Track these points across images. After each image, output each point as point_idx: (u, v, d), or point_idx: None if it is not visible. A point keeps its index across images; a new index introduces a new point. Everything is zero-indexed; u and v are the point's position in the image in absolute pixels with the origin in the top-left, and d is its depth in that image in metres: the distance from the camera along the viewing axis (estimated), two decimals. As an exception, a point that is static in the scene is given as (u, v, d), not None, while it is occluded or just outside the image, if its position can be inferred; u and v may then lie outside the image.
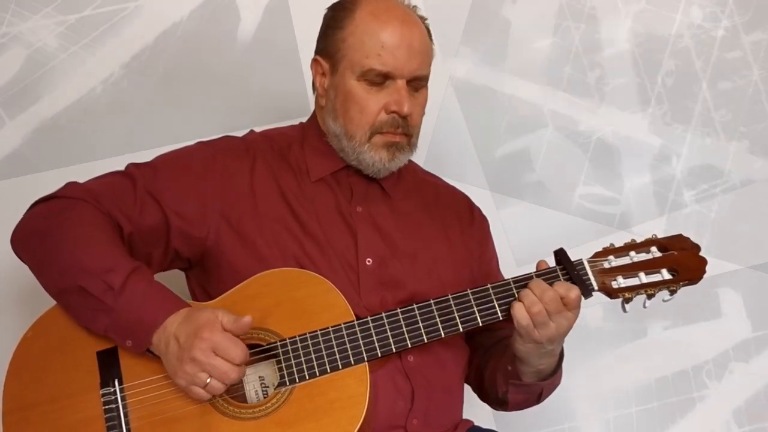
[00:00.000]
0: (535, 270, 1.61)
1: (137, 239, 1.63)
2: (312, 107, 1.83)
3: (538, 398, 1.78)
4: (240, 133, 1.81)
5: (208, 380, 1.43)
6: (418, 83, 1.69)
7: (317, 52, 1.74)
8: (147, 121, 2.23)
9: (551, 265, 1.61)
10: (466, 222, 1.87)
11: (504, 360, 1.71)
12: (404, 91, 1.66)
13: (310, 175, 1.73)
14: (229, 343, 1.45)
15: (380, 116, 1.66)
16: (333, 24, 1.70)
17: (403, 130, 1.68)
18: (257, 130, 1.83)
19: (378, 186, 1.76)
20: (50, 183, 1.69)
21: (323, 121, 1.75)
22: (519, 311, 1.55)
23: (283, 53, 2.27)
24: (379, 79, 1.65)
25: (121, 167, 1.71)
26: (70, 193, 1.63)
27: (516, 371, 1.69)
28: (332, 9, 1.74)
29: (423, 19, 1.74)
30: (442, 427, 1.69)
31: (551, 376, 1.70)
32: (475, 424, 1.78)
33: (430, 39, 1.74)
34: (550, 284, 1.56)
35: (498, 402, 1.81)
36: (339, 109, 1.69)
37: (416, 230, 1.77)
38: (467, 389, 1.84)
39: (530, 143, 2.37)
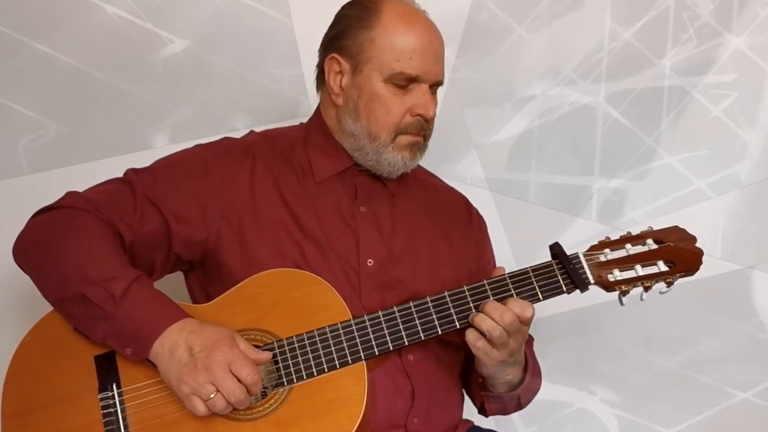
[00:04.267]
0: (529, 266, 1.60)
1: (139, 246, 1.63)
2: (312, 107, 1.83)
3: (518, 405, 1.78)
4: (239, 134, 1.81)
5: (212, 395, 1.43)
6: (435, 87, 1.72)
7: (335, 50, 1.71)
8: (147, 121, 2.24)
9: (547, 260, 1.60)
10: (464, 223, 1.87)
11: (475, 372, 1.71)
12: (429, 95, 1.68)
13: (315, 176, 1.73)
14: (246, 362, 1.45)
15: (405, 118, 1.67)
16: (357, 23, 1.69)
17: (425, 132, 1.71)
18: (257, 130, 1.83)
19: (382, 186, 1.76)
20: (50, 183, 1.70)
21: (338, 119, 1.74)
22: (471, 336, 1.55)
23: (282, 53, 2.27)
24: (406, 83, 1.66)
25: (121, 167, 1.71)
26: (70, 203, 1.63)
27: (485, 384, 1.70)
28: (352, 8, 1.73)
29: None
30: (443, 425, 1.69)
31: (521, 384, 1.70)
32: (475, 424, 1.77)
33: None
34: (504, 300, 1.56)
35: (479, 410, 1.82)
36: (363, 110, 1.69)
37: (417, 231, 1.77)
38: (467, 388, 1.84)
39: (531, 143, 2.37)
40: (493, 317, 1.53)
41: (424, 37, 1.67)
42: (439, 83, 1.73)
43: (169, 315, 1.50)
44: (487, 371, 1.62)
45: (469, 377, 1.77)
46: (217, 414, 1.46)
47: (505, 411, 1.79)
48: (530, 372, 1.71)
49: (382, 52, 1.66)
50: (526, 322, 1.55)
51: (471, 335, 1.55)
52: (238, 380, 1.43)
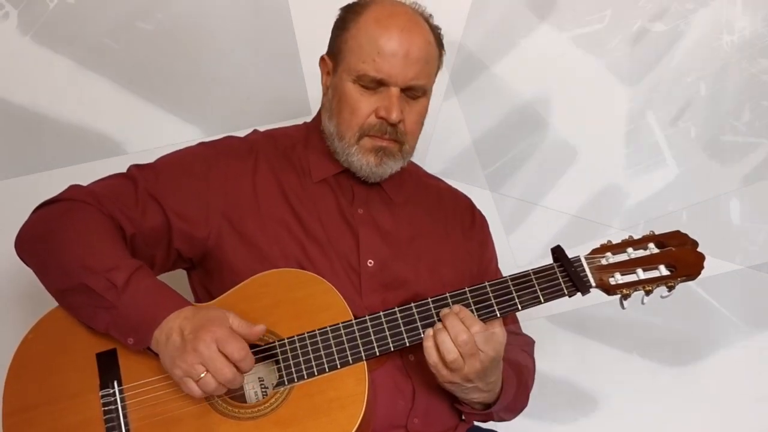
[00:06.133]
0: (530, 269, 1.60)
1: (139, 241, 1.64)
2: (312, 107, 1.83)
3: (500, 418, 1.76)
4: (242, 133, 1.81)
5: (203, 375, 1.42)
6: (413, 92, 1.68)
7: (327, 51, 1.75)
8: (147, 121, 2.24)
9: (549, 263, 1.60)
10: (467, 224, 1.88)
11: None
12: (395, 99, 1.64)
13: (312, 176, 1.73)
14: (232, 338, 1.44)
15: (369, 119, 1.66)
16: (340, 25, 1.71)
17: (392, 136, 1.67)
18: (260, 129, 1.84)
19: (380, 189, 1.76)
20: (50, 183, 1.69)
21: (322, 119, 1.75)
22: (428, 351, 1.53)
23: (283, 53, 2.27)
24: (373, 85, 1.65)
25: (122, 167, 1.72)
26: (72, 195, 1.63)
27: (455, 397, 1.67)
28: (344, 10, 1.74)
29: (436, 28, 1.72)
30: (443, 426, 1.69)
31: (490, 407, 1.67)
32: (475, 424, 1.77)
33: (440, 47, 1.73)
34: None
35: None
36: (334, 109, 1.70)
37: (418, 232, 1.78)
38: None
39: (531, 143, 2.37)
40: (450, 334, 1.51)
41: (393, 39, 1.63)
42: (416, 88, 1.67)
43: (170, 304, 1.50)
44: (442, 383, 1.59)
45: None
46: (211, 393, 1.45)
47: (485, 420, 1.76)
48: (507, 398, 1.68)
49: (351, 53, 1.66)
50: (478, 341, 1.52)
51: (428, 343, 1.53)
52: (227, 358, 1.43)
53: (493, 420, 1.75)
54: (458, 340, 1.51)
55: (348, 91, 1.67)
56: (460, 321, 1.52)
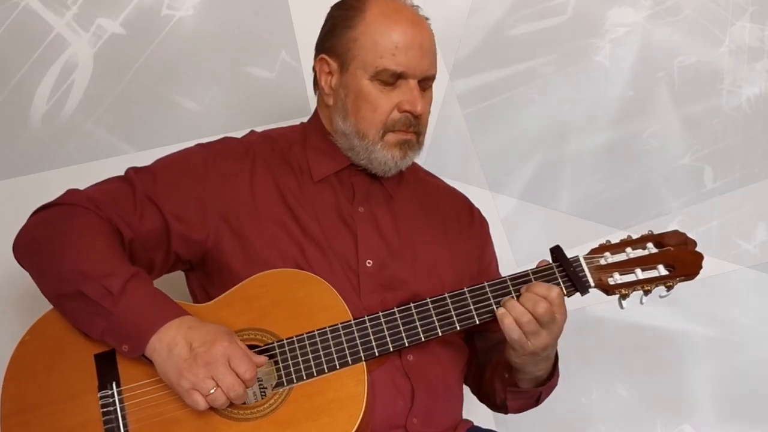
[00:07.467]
0: (529, 269, 1.60)
1: (138, 245, 1.63)
2: (312, 107, 1.83)
3: (537, 401, 1.78)
4: (240, 134, 1.81)
5: (213, 390, 1.43)
6: (426, 83, 1.70)
7: (323, 51, 1.73)
8: (147, 121, 2.24)
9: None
10: (466, 223, 1.87)
11: (500, 367, 1.72)
12: (417, 91, 1.67)
13: (313, 176, 1.73)
14: (245, 357, 1.46)
15: (393, 115, 1.67)
16: (342, 23, 1.70)
17: (415, 128, 1.69)
18: (257, 130, 1.83)
19: (381, 186, 1.76)
20: (50, 183, 1.69)
21: (330, 120, 1.74)
22: (508, 324, 1.54)
23: (283, 53, 2.27)
24: (392, 79, 1.66)
25: (121, 167, 1.71)
26: (70, 200, 1.63)
27: (513, 379, 1.69)
28: (339, 8, 1.74)
29: (426, 18, 1.73)
30: (442, 426, 1.69)
31: (548, 380, 1.70)
32: (475, 424, 1.77)
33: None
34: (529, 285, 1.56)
35: (497, 407, 1.82)
36: (350, 108, 1.69)
37: (417, 231, 1.77)
38: (467, 389, 1.84)
39: (530, 143, 2.37)
40: (526, 306, 1.53)
41: (407, 32, 1.66)
42: (429, 78, 1.71)
43: (167, 312, 1.50)
44: (518, 360, 1.62)
45: (494, 373, 1.76)
46: (217, 408, 1.46)
47: (524, 407, 1.79)
48: (557, 370, 1.72)
49: (365, 50, 1.66)
50: (552, 303, 1.53)
51: (507, 320, 1.54)
52: (237, 375, 1.44)
53: (537, 402, 1.77)
54: (537, 309, 1.52)
55: (365, 88, 1.67)
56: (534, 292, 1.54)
